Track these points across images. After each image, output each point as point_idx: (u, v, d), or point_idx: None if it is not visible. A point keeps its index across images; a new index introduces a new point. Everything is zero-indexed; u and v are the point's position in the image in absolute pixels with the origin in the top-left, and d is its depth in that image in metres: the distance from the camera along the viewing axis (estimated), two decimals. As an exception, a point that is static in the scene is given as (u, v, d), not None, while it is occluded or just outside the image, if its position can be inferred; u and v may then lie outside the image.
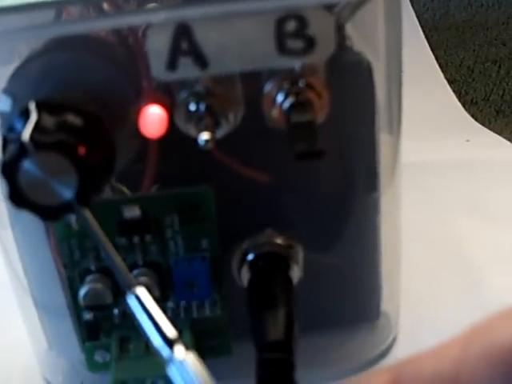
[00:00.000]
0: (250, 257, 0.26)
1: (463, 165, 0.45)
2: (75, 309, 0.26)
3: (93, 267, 0.25)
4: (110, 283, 0.24)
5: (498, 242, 0.37)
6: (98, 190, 0.21)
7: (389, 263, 0.29)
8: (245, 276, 0.26)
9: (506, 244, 0.37)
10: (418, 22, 0.69)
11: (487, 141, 0.50)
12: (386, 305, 0.29)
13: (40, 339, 0.29)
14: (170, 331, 0.17)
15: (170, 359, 0.17)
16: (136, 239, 0.24)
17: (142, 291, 0.18)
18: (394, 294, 0.30)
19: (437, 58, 0.63)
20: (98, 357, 0.26)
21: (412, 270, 0.32)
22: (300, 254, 0.26)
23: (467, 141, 0.49)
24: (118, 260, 0.19)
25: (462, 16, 0.74)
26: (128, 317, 0.25)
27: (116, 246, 0.24)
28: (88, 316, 0.25)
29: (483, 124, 0.53)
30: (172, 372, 0.17)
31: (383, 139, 0.27)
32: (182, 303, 0.26)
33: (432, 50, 0.65)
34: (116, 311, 0.25)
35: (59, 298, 0.26)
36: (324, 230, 0.27)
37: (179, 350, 0.17)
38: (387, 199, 0.28)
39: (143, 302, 0.18)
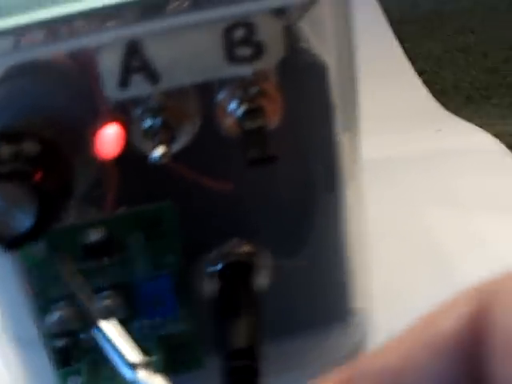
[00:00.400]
0: (216, 267, 0.26)
1: (435, 154, 0.45)
2: (45, 337, 0.26)
3: (60, 294, 0.25)
4: (78, 309, 0.24)
5: (469, 230, 0.37)
6: (59, 216, 0.21)
7: (358, 260, 0.29)
8: (212, 287, 0.26)
9: (477, 232, 0.37)
10: (384, 16, 0.69)
11: (458, 129, 0.50)
12: (357, 302, 0.30)
13: (18, 374, 0.29)
14: (134, 357, 0.18)
15: (135, 383, 0.17)
16: (101, 261, 0.24)
17: (105, 324, 0.19)
18: (365, 290, 0.30)
19: (405, 50, 0.64)
20: (71, 383, 0.26)
21: (384, 263, 0.33)
22: (266, 260, 0.26)
23: (438, 130, 0.49)
24: (84, 295, 0.20)
25: (429, 6, 0.75)
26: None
27: (82, 270, 0.24)
28: (58, 343, 0.25)
29: (453, 112, 0.53)
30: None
31: (342, 138, 0.27)
32: (150, 321, 0.26)
33: (400, 42, 0.65)
34: (85, 336, 0.25)
35: (32, 328, 0.26)
36: (289, 233, 0.27)
37: (143, 374, 0.17)
38: (350, 196, 0.28)
39: (106, 333, 0.18)
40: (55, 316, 0.24)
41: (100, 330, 0.19)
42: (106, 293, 0.25)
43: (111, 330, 0.19)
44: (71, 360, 0.25)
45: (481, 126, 0.49)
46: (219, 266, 0.26)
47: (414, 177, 0.42)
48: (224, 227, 0.26)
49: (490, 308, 0.12)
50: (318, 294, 0.29)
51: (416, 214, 0.39)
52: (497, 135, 0.47)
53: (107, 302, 0.24)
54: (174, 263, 0.25)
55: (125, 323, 0.24)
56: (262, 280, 0.26)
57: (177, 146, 0.23)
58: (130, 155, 0.23)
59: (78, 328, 0.24)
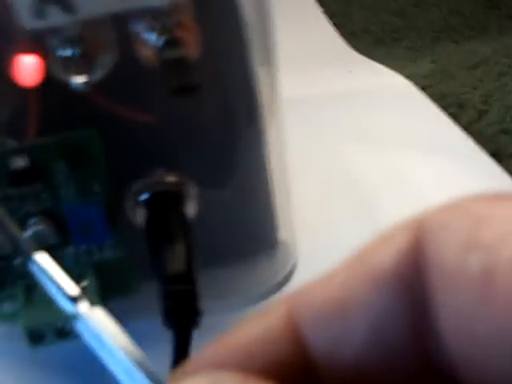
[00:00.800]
0: (144, 196, 0.26)
1: (347, 95, 0.46)
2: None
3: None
4: (9, 236, 0.24)
5: (387, 167, 0.38)
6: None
7: (280, 193, 0.30)
8: (140, 216, 0.26)
9: (394, 168, 0.38)
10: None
11: (369, 70, 0.51)
12: (282, 233, 0.30)
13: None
14: (73, 289, 0.18)
15: (76, 316, 0.17)
16: (27, 189, 0.25)
17: (41, 256, 0.19)
18: (288, 223, 0.31)
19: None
20: (7, 307, 0.26)
21: (305, 200, 0.34)
22: (192, 190, 0.27)
23: (349, 72, 0.50)
24: (14, 229, 0.19)
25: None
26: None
27: (7, 198, 0.24)
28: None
29: (364, 54, 0.54)
30: (79, 328, 0.17)
31: (260, 72, 0.27)
32: (82, 248, 0.26)
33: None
34: (19, 261, 0.26)
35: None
36: (213, 164, 0.28)
37: (84, 306, 0.17)
38: (271, 130, 0.29)
39: (43, 265, 0.18)
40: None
41: (35, 261, 0.19)
42: (35, 219, 0.25)
43: (46, 262, 0.18)
44: (5, 284, 0.25)
45: (391, 68, 0.50)
46: (146, 196, 0.26)
47: (327, 116, 0.43)
48: (148, 157, 0.27)
49: (426, 239, 0.12)
50: (244, 225, 0.29)
51: (333, 152, 0.40)
52: (407, 76, 0.48)
53: (37, 228, 0.25)
54: (100, 191, 0.25)
55: (57, 250, 0.25)
56: (188, 210, 0.26)
57: (96, 76, 0.23)
58: (51, 84, 0.23)
59: (10, 253, 0.24)
